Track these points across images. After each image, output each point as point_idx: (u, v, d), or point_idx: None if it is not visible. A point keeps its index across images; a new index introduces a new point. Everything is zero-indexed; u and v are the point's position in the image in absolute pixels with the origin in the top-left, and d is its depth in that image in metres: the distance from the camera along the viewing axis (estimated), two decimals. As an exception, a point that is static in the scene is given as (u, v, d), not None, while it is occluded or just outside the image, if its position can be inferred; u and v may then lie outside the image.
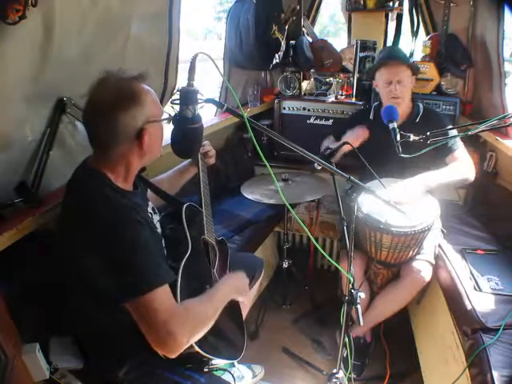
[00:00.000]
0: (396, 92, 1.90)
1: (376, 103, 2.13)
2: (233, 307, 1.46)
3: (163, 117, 1.14)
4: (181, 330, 0.95)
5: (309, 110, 2.61)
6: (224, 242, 1.53)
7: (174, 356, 0.98)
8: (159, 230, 1.27)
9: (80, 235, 1.01)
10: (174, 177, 1.58)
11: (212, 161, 1.57)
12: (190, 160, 1.56)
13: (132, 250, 0.98)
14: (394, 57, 1.96)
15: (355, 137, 1.99)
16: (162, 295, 0.98)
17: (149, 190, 1.41)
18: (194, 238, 1.30)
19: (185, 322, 0.98)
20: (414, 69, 1.94)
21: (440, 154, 1.90)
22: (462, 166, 1.89)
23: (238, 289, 1.30)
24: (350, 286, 1.20)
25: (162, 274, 1.01)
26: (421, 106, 2.03)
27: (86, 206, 1.02)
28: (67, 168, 1.19)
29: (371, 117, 2.10)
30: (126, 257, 0.97)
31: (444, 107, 2.40)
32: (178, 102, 1.13)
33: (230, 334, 1.38)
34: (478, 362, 1.35)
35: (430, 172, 1.83)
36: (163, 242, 1.27)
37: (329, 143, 2.17)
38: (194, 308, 1.04)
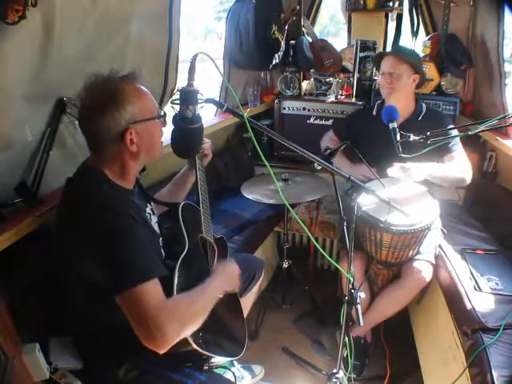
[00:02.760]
0: (386, 82, 1.94)
1: (379, 101, 2.15)
2: (234, 305, 1.46)
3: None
4: (170, 324, 0.95)
5: (309, 110, 2.61)
6: (223, 240, 1.53)
7: (163, 351, 0.97)
8: (157, 231, 1.27)
9: (77, 232, 1.01)
10: (174, 186, 1.56)
11: (206, 161, 1.54)
12: (187, 166, 1.54)
13: (123, 242, 0.98)
14: (393, 50, 2.03)
15: None
16: (152, 289, 0.97)
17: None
18: (191, 236, 1.30)
19: (174, 316, 0.97)
20: (414, 66, 1.94)
21: (439, 153, 1.90)
22: (460, 166, 1.91)
23: (230, 280, 1.27)
24: (350, 285, 1.20)
25: (153, 268, 1.01)
26: (424, 105, 2.04)
27: (83, 203, 1.03)
28: (67, 168, 1.19)
29: (374, 113, 2.12)
30: (117, 249, 0.98)
31: (444, 107, 2.40)
32: (178, 102, 1.13)
33: (231, 332, 1.38)
34: (478, 362, 1.35)
35: (432, 163, 1.83)
36: (161, 241, 1.27)
37: (329, 139, 2.18)
38: (184, 302, 1.04)
